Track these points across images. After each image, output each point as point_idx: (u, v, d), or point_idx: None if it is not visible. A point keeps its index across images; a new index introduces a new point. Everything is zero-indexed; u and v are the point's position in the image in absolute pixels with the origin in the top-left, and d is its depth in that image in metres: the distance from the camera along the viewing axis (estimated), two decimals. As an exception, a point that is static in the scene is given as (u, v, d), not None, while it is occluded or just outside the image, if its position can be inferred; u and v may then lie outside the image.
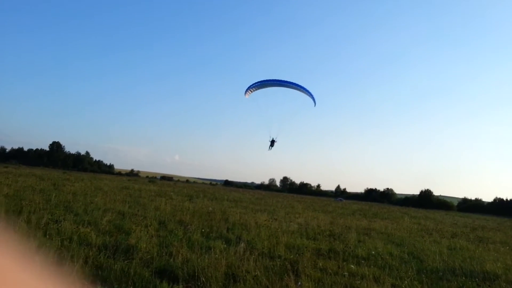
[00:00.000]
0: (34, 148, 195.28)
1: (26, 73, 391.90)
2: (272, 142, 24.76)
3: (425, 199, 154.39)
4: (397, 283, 9.32)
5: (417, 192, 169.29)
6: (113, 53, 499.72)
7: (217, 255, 9.81)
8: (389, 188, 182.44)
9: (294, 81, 25.15)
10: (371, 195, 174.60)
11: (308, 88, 25.42)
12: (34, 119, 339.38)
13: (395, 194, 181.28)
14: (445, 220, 45.82)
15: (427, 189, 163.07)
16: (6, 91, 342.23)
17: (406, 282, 9.44)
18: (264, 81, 25.61)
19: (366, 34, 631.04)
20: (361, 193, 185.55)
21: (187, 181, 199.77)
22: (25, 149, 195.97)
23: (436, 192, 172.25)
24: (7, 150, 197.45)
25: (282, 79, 25.04)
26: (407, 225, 29.44)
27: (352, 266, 10.40)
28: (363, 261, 11.50)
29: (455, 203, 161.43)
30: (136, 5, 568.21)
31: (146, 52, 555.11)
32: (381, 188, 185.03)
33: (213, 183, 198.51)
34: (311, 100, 26.09)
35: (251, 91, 26.33)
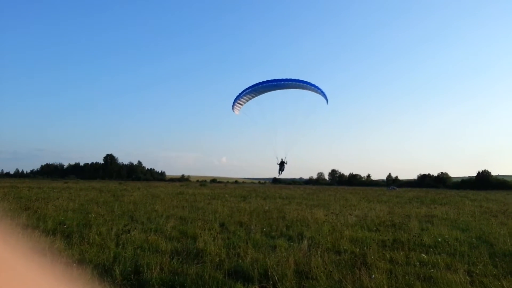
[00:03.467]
0: (90, 162, 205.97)
1: (78, 96, 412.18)
2: (282, 165, 20.64)
3: (483, 180, 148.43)
4: (471, 269, 9.06)
5: (473, 174, 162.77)
6: (149, 64, 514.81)
7: (283, 253, 9.95)
8: (444, 172, 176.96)
9: (296, 78, 19.41)
10: (425, 181, 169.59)
11: (316, 83, 19.67)
12: (87, 135, 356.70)
13: (450, 178, 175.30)
14: (507, 201, 43.96)
15: (485, 170, 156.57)
16: (60, 111, 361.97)
17: (479, 267, 9.16)
18: (255, 85, 19.98)
19: (405, 12, 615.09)
20: (414, 179, 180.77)
21: (236, 182, 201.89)
22: (81, 163, 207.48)
23: (494, 172, 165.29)
24: (65, 166, 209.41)
25: (279, 78, 19.37)
26: (469, 209, 28.46)
27: (423, 255, 10.19)
28: (431, 249, 11.26)
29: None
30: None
31: (187, 59, 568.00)
32: (434, 173, 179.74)
33: (261, 182, 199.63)
34: (320, 97, 20.39)
35: (241, 104, 20.81)
